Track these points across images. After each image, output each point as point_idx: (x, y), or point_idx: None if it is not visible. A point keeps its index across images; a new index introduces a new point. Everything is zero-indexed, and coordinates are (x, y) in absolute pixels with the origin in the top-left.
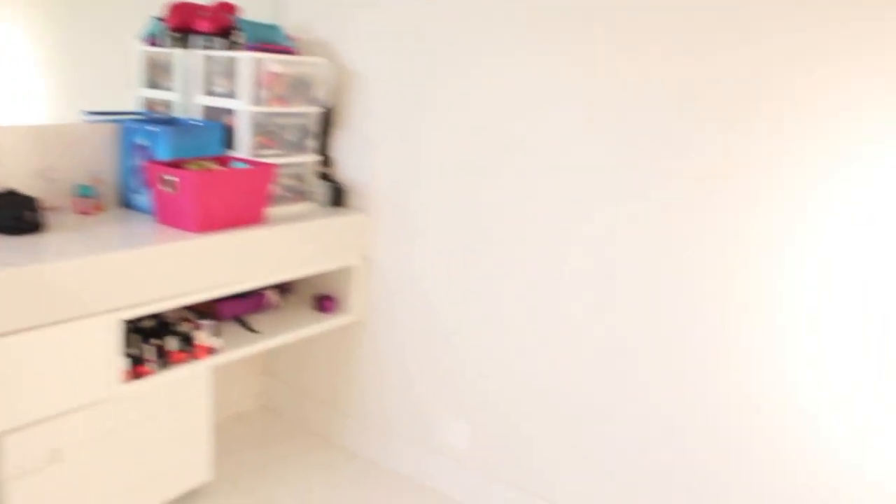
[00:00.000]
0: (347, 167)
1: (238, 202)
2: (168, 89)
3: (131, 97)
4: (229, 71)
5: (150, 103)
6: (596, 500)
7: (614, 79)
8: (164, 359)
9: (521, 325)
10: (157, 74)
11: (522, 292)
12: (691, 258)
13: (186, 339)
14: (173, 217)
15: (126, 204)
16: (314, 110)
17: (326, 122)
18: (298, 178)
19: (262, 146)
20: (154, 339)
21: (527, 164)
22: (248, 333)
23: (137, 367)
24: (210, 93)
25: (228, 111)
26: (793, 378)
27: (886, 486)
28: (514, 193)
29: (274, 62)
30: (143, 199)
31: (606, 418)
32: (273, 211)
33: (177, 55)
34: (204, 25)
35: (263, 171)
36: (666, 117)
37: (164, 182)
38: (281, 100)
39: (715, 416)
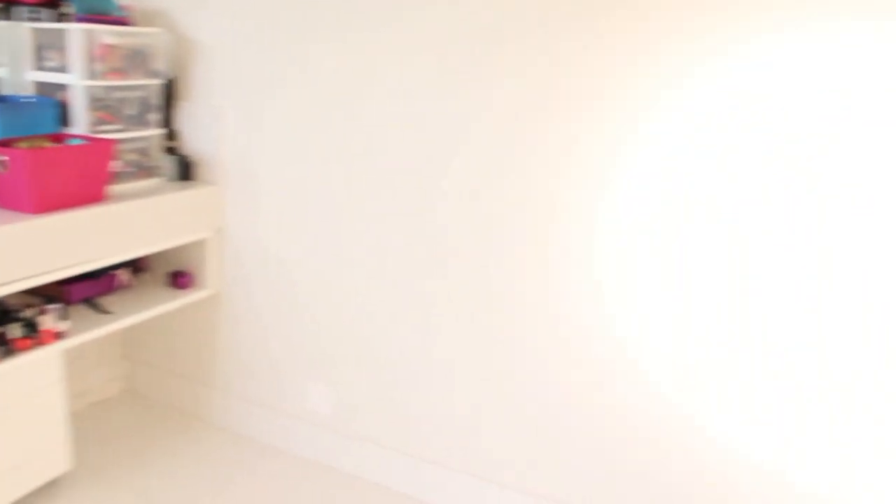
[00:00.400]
0: (194, 139)
1: (76, 180)
2: None
3: None
4: (60, 44)
5: None
6: (456, 451)
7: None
8: (7, 346)
9: (374, 286)
10: None
11: (373, 254)
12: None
13: (31, 325)
14: (7, 199)
15: None
16: (155, 82)
17: (169, 95)
18: (143, 153)
19: (101, 121)
20: None
21: (370, 125)
22: (100, 315)
23: None
24: (41, 67)
25: (62, 86)
26: (610, 314)
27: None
28: (361, 155)
29: (107, 33)
30: None
31: (468, 371)
32: (117, 188)
33: (0, 27)
34: None
35: (101, 148)
36: (489, 46)
37: None
38: (118, 73)
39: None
